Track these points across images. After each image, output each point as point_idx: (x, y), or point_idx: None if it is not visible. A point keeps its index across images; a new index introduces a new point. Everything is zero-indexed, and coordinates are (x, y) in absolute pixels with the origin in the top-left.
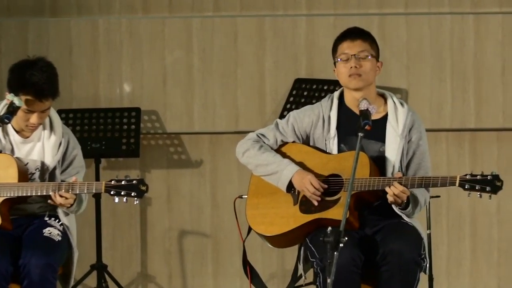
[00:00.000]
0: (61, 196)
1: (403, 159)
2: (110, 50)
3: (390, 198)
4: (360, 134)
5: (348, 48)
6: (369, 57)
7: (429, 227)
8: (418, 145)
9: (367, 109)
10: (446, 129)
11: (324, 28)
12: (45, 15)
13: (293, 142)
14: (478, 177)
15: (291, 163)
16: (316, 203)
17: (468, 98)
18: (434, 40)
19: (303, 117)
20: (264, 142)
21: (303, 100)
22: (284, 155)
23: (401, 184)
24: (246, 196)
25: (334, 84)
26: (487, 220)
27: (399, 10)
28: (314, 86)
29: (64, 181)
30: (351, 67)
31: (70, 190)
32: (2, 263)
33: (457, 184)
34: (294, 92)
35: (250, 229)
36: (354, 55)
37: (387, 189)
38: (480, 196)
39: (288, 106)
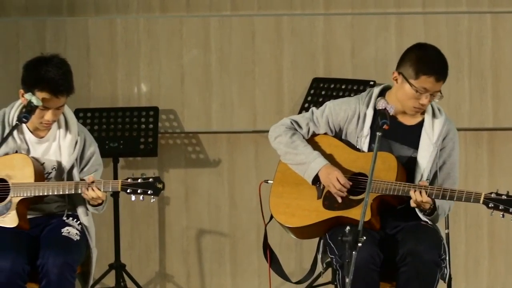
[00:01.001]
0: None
1: (433, 167)
2: (128, 49)
3: (412, 203)
4: (379, 134)
5: (430, 86)
6: (438, 94)
7: (447, 227)
8: (449, 154)
9: (385, 109)
10: (464, 128)
11: (341, 27)
12: (63, 14)
13: (325, 134)
14: (503, 197)
15: (320, 156)
16: (340, 200)
17: (486, 97)
18: (452, 39)
19: (339, 111)
20: (297, 130)
21: (321, 99)
22: (314, 147)
23: (425, 193)
24: (271, 181)
25: (352, 83)
26: (505, 219)
27: (416, 9)
28: (332, 86)
29: (82, 179)
30: (422, 104)
31: (87, 189)
32: (18, 262)
33: (481, 202)
34: (312, 92)
35: (272, 215)
36: (431, 94)
37: (411, 193)
38: (503, 216)
39: (306, 105)
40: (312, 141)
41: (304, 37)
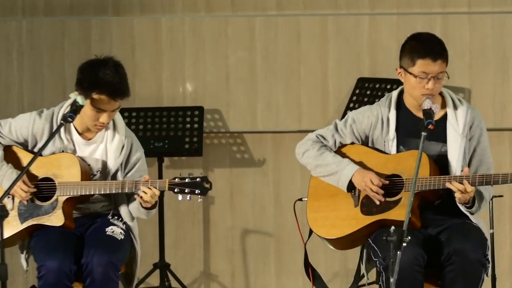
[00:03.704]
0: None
1: (465, 157)
2: (173, 49)
3: (457, 195)
4: (424, 134)
5: (428, 68)
6: (444, 76)
7: (492, 227)
8: (478, 141)
9: (430, 108)
10: (510, 128)
11: (387, 27)
12: (108, 14)
13: (352, 143)
14: None
15: (351, 163)
16: (378, 202)
17: None
18: (497, 39)
19: (362, 119)
20: (323, 143)
21: (366, 99)
22: (343, 156)
23: (460, 182)
24: (306, 199)
25: (397, 83)
26: None
27: (462, 9)
28: (377, 85)
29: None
30: (428, 88)
31: (134, 189)
32: (65, 262)
33: None
34: (357, 92)
35: (311, 231)
36: (433, 76)
37: (455, 185)
38: None
39: (351, 105)
40: (340, 151)
41: (350, 37)
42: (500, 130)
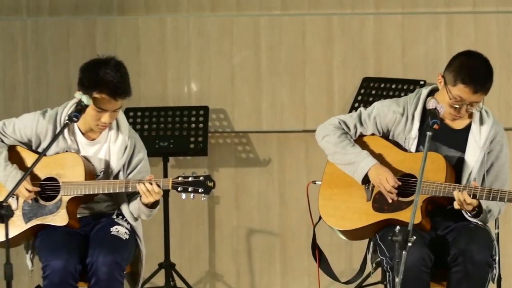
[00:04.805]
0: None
1: (480, 170)
2: (178, 48)
3: (456, 205)
4: (429, 133)
5: (466, 95)
6: (479, 105)
7: (497, 227)
8: (497, 157)
9: (435, 108)
10: None
11: (392, 27)
12: (113, 13)
13: (372, 134)
14: None
15: (369, 156)
16: (390, 201)
17: None
18: (502, 39)
19: (387, 112)
20: (344, 130)
21: (371, 99)
22: (362, 147)
23: (469, 194)
24: (319, 182)
25: (402, 83)
26: None
27: (467, 9)
28: (382, 85)
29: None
30: (458, 113)
31: (137, 188)
32: (71, 262)
33: None
34: (362, 91)
35: (321, 216)
36: (467, 104)
37: (455, 194)
38: None
39: (356, 105)
40: (360, 141)
41: (354, 37)
42: (506, 130)
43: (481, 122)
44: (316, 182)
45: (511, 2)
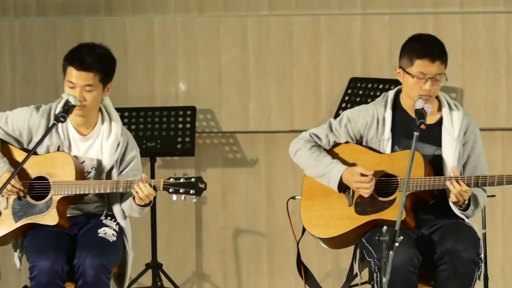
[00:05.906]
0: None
1: (459, 162)
2: (165, 49)
3: (453, 196)
4: (416, 133)
5: (426, 68)
6: (442, 78)
7: (484, 227)
8: (473, 148)
9: (423, 108)
10: (501, 128)
11: (379, 27)
12: (100, 14)
13: (346, 142)
14: None
15: (339, 163)
16: (369, 193)
17: None
18: (489, 39)
19: (357, 118)
20: (316, 142)
21: (358, 99)
22: (336, 156)
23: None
24: (299, 197)
25: (389, 83)
26: None
27: (454, 9)
28: (370, 85)
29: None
30: (425, 89)
31: (128, 188)
32: (58, 262)
33: None
34: (349, 91)
35: (304, 230)
36: (431, 78)
37: (450, 187)
38: None
39: (344, 105)
40: (333, 151)
41: (342, 37)
42: (492, 130)
43: (451, 112)
44: (296, 197)
45: (498, 3)
